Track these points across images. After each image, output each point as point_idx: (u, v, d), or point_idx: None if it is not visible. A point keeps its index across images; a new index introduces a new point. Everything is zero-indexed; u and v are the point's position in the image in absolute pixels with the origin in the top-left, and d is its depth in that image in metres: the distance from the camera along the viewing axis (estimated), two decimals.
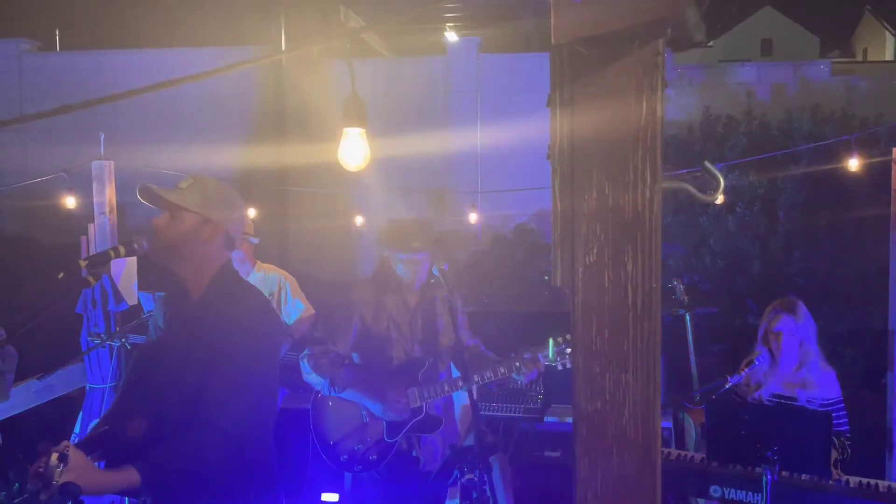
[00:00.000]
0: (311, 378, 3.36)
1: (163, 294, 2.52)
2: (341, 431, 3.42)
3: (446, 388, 3.42)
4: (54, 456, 1.93)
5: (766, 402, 3.65)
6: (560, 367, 3.38)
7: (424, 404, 3.38)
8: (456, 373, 3.61)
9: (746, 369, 3.65)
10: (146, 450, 2.14)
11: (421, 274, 3.46)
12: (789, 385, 3.67)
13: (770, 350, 3.70)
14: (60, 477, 1.90)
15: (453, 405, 3.68)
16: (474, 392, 4.31)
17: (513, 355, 3.39)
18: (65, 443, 1.98)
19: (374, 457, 3.38)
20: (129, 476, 2.05)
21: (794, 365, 3.67)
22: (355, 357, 3.50)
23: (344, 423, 3.42)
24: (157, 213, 2.36)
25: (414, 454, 3.43)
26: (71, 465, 1.94)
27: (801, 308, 3.69)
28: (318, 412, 3.49)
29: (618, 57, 1.19)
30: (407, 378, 3.39)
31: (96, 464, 2.20)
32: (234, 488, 2.25)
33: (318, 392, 3.47)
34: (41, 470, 1.92)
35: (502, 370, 3.36)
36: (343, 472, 3.51)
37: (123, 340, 4.39)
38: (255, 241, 4.74)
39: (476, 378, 3.33)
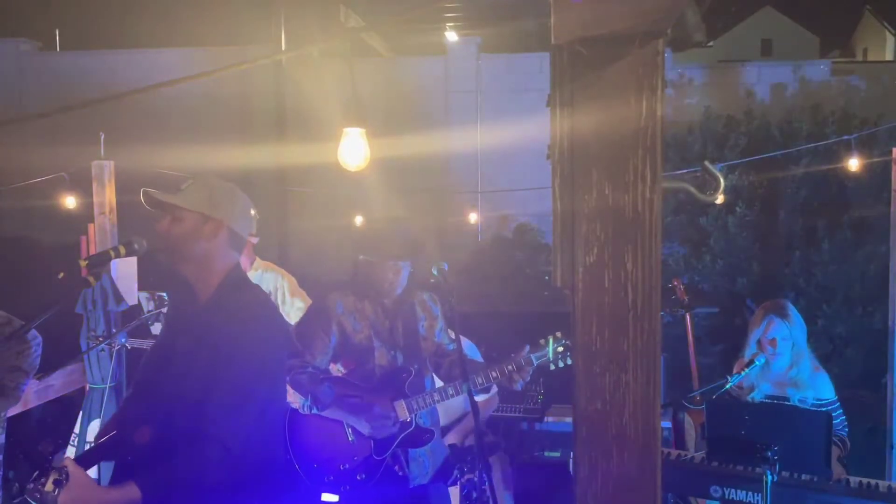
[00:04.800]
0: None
1: (166, 294, 2.51)
2: (325, 451, 3.20)
3: (436, 397, 3.23)
4: (50, 483, 1.92)
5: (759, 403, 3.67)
6: (553, 368, 3.25)
7: (413, 416, 3.20)
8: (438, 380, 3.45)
9: (747, 369, 3.65)
10: (150, 463, 2.10)
11: (400, 281, 3.26)
12: (781, 385, 3.69)
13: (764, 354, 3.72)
14: (59, 497, 1.91)
15: (438, 414, 3.50)
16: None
17: (513, 355, 3.26)
18: (64, 460, 1.97)
19: (363, 476, 3.17)
20: (130, 492, 2.02)
21: (786, 366, 3.69)
22: (336, 368, 3.31)
23: (327, 443, 3.20)
24: (155, 213, 2.36)
25: (400, 473, 3.22)
26: (70, 483, 1.93)
27: (792, 311, 3.69)
28: (295, 431, 3.24)
29: (618, 57, 1.19)
30: (393, 389, 3.19)
31: (103, 464, 2.19)
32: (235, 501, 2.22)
33: (292, 410, 3.25)
34: (38, 496, 1.92)
35: (494, 374, 3.20)
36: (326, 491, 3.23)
37: (123, 341, 4.38)
38: (255, 240, 4.73)
39: (469, 385, 3.09)
